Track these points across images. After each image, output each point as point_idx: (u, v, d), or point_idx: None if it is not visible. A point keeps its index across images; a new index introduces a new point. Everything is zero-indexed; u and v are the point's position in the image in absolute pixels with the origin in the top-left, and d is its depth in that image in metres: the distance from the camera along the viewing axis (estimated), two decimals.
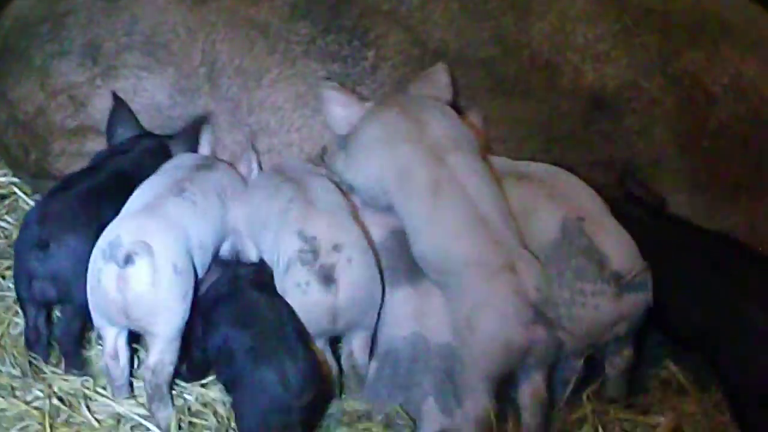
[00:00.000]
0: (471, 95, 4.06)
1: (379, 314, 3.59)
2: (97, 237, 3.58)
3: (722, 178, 4.03)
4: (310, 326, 3.46)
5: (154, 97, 4.18)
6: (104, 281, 3.45)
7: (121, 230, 3.49)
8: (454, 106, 3.91)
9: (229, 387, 3.35)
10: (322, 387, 3.35)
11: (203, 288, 3.53)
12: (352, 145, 3.83)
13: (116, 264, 3.41)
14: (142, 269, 3.42)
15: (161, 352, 3.49)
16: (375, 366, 3.57)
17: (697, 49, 4.06)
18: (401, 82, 4.06)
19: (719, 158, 4.03)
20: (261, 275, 3.60)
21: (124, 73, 4.17)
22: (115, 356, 3.58)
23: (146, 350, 3.57)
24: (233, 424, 3.41)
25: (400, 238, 3.66)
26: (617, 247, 3.34)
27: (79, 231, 3.62)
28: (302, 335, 3.34)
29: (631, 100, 4.05)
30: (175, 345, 3.52)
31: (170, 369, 3.53)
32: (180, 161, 3.97)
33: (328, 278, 3.41)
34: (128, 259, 3.39)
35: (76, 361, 3.74)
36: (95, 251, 3.51)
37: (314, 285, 3.42)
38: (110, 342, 3.55)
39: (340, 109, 3.90)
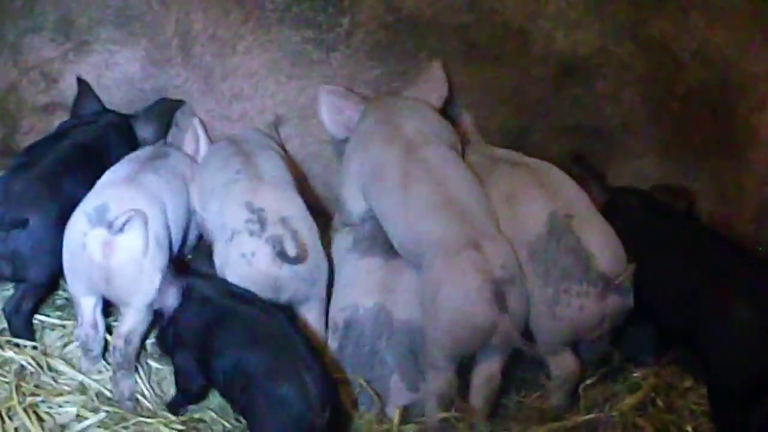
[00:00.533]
0: (444, 61, 4.09)
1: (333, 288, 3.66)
2: (60, 214, 3.61)
3: (691, 142, 4.11)
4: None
5: (126, 71, 4.20)
6: (90, 246, 3.46)
7: (107, 197, 3.52)
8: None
9: (246, 411, 3.21)
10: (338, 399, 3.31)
11: (160, 304, 3.45)
12: (345, 150, 3.93)
13: (108, 230, 3.44)
14: (134, 238, 3.46)
15: (135, 322, 3.53)
16: (337, 343, 3.61)
17: (665, 16, 4.12)
18: (375, 48, 4.12)
19: (688, 123, 4.11)
20: (224, 284, 3.53)
21: (96, 47, 4.18)
22: (95, 326, 3.61)
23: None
24: None
25: None
26: (605, 248, 3.34)
27: (41, 211, 3.63)
28: (310, 345, 3.30)
29: (601, 65, 4.11)
30: (149, 315, 3.56)
31: (139, 339, 3.58)
32: (137, 153, 3.98)
33: (276, 250, 3.44)
34: (118, 225, 3.42)
35: (25, 333, 3.73)
36: (78, 216, 3.51)
37: (261, 256, 3.46)
38: (89, 312, 3.57)
39: (337, 117, 4.00)
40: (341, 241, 3.83)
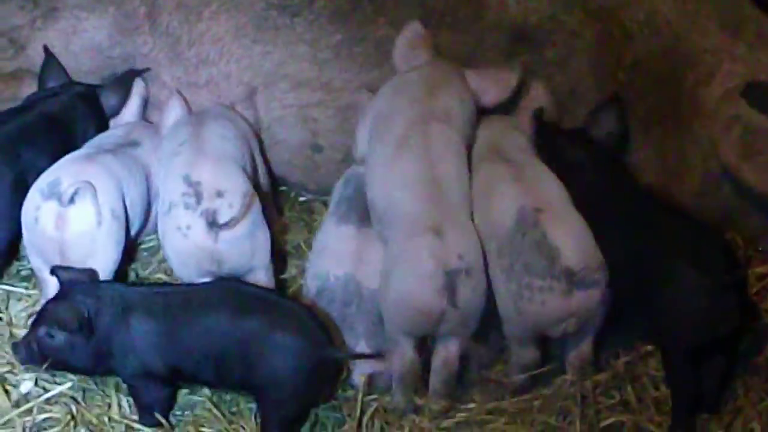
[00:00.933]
0: (401, 26, 4.18)
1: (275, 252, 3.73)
2: (15, 181, 3.71)
3: (635, 112, 4.20)
4: (191, 269, 3.59)
5: (94, 38, 4.28)
6: (42, 220, 3.54)
7: (60, 172, 3.60)
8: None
9: (252, 380, 3.27)
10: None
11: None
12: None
13: (58, 202, 3.51)
14: (84, 209, 3.54)
15: None
16: None
17: None
18: (336, 13, 4.24)
19: (634, 92, 4.20)
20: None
21: (65, 14, 4.25)
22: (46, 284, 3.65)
23: None
24: None
25: None
26: (572, 242, 3.29)
27: None
28: (274, 291, 3.47)
29: (551, 33, 4.22)
30: None
31: None
32: (104, 138, 4.05)
33: (210, 223, 3.51)
34: (71, 198, 3.50)
35: None
36: (32, 192, 3.59)
37: (195, 229, 3.53)
38: (51, 286, 3.59)
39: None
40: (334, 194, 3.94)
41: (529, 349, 3.46)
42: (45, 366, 3.28)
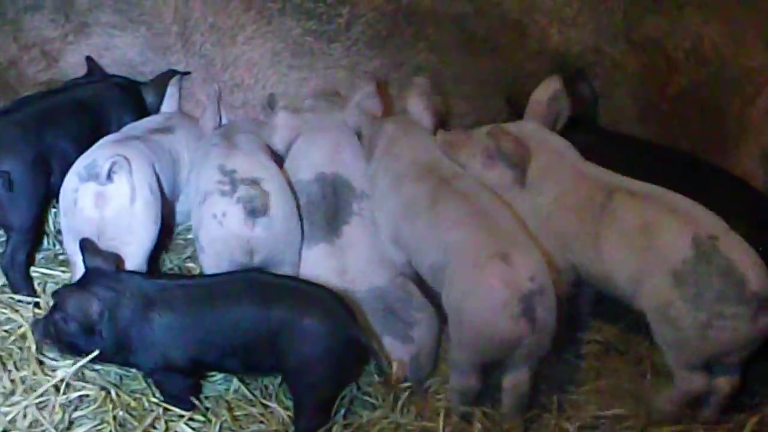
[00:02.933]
0: (442, 52, 4.22)
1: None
2: (36, 159, 3.71)
3: (678, 142, 4.15)
4: (224, 258, 3.56)
5: (125, 54, 4.31)
6: (80, 201, 3.57)
7: (96, 155, 3.64)
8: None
9: (283, 365, 3.25)
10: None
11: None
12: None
13: (96, 181, 3.54)
14: (122, 185, 3.57)
15: None
16: None
17: (660, 13, 4.19)
18: (374, 38, 4.22)
19: (676, 123, 4.17)
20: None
21: (96, 30, 4.29)
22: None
23: None
24: None
25: (326, 185, 3.75)
26: (754, 266, 3.22)
27: (14, 155, 3.71)
28: (299, 279, 3.46)
29: (594, 63, 4.23)
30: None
31: None
32: (137, 124, 4.09)
33: (247, 210, 3.51)
34: (109, 175, 3.53)
35: (24, 286, 3.79)
36: (69, 176, 3.63)
37: (231, 216, 3.53)
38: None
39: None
40: None
41: (699, 375, 3.33)
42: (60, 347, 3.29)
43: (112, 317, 3.20)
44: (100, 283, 3.24)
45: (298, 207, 3.71)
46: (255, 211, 3.49)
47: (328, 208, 3.71)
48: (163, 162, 3.85)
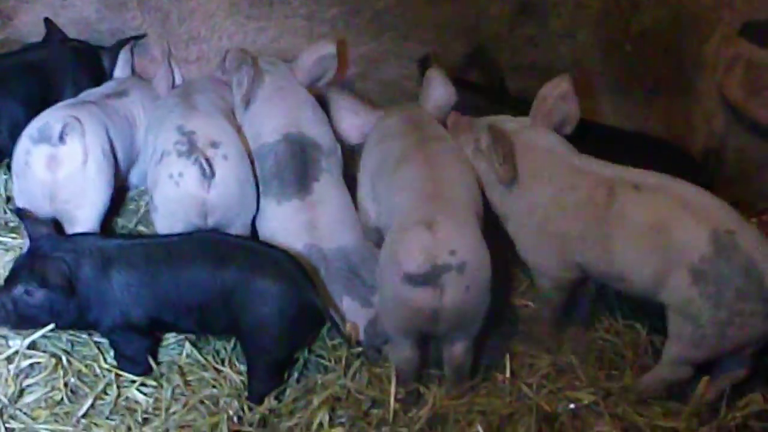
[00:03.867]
0: (403, 1, 4.16)
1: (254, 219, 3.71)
2: None
3: (642, 81, 4.20)
4: (178, 218, 3.56)
5: (81, 12, 4.24)
6: (33, 163, 3.56)
7: (49, 117, 3.62)
8: None
9: (237, 325, 3.26)
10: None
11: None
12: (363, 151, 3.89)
13: (49, 143, 3.54)
14: (75, 146, 3.57)
15: None
16: None
17: None
18: None
19: (640, 62, 4.20)
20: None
21: None
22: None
23: None
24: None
25: (294, 145, 3.73)
26: None
27: None
28: (252, 240, 3.49)
29: (557, 4, 4.19)
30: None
31: None
32: (92, 91, 4.03)
33: (203, 170, 3.50)
34: (61, 136, 3.52)
35: None
36: (22, 139, 3.61)
37: (188, 176, 3.53)
38: None
39: (354, 121, 3.92)
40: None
41: (687, 367, 3.32)
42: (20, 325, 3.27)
43: (74, 279, 3.21)
44: (58, 248, 3.24)
45: (255, 172, 3.70)
46: (210, 173, 3.49)
47: (297, 166, 3.70)
48: (118, 126, 3.83)
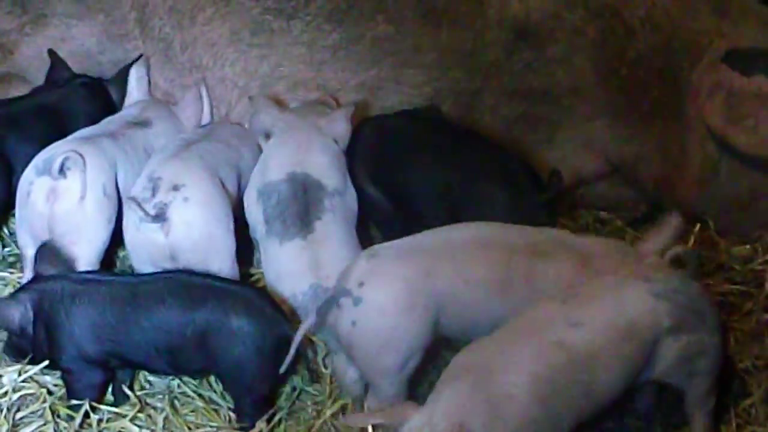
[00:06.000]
0: (400, 23, 4.23)
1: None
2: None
3: (638, 106, 4.26)
4: (146, 262, 3.63)
5: (83, 44, 4.33)
6: (33, 194, 3.63)
7: (55, 150, 3.71)
8: None
9: (214, 365, 3.29)
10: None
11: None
12: None
13: (49, 175, 3.61)
14: (74, 181, 3.63)
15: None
16: None
17: None
18: (332, 13, 4.22)
19: (636, 87, 4.26)
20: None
21: (53, 21, 4.30)
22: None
23: None
24: None
25: (296, 184, 3.76)
26: None
27: None
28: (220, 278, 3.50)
29: (553, 30, 4.27)
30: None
31: None
32: (114, 117, 4.12)
33: (158, 216, 3.55)
34: (61, 170, 3.59)
35: None
36: (28, 169, 3.70)
37: (146, 223, 3.58)
38: (33, 264, 3.69)
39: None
40: (255, 224, 3.85)
41: None
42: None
43: (38, 317, 3.27)
44: (27, 288, 3.35)
45: (237, 218, 3.73)
46: (162, 217, 3.51)
47: (299, 206, 3.71)
48: (133, 159, 3.85)
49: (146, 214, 3.51)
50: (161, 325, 3.26)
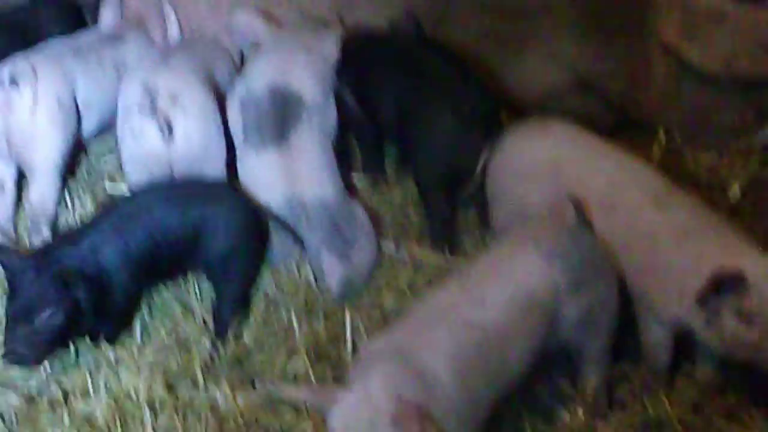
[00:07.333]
0: None
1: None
2: None
3: (604, 22, 4.28)
4: (143, 171, 3.71)
5: None
6: None
7: (11, 63, 3.78)
8: None
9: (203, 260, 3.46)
10: None
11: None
12: None
13: (1, 87, 3.69)
14: (25, 93, 3.71)
15: (40, 186, 3.75)
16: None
17: None
18: None
19: (602, 4, 4.28)
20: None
21: None
22: (2, 189, 3.84)
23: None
24: None
25: (276, 96, 3.85)
26: None
27: None
28: None
29: None
30: (54, 181, 3.77)
31: (51, 207, 3.77)
32: (85, 32, 4.19)
33: (162, 127, 3.64)
34: (12, 81, 3.68)
35: None
36: None
37: (147, 133, 3.68)
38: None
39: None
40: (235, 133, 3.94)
41: None
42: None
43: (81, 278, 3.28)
44: (52, 262, 3.22)
45: (227, 126, 3.83)
46: (168, 129, 3.63)
47: (276, 117, 3.81)
48: (98, 74, 3.92)
49: (169, 128, 3.59)
50: (164, 229, 3.35)
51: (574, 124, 3.53)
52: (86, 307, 3.25)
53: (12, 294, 3.22)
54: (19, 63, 3.72)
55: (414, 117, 3.86)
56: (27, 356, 3.20)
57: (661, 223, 3.19)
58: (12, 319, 3.21)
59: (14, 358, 3.20)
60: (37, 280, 3.19)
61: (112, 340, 3.41)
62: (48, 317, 3.19)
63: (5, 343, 3.21)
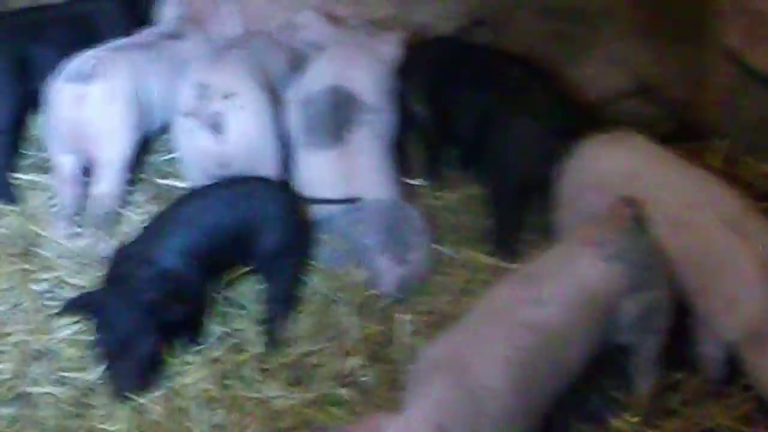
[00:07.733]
0: None
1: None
2: (15, 66, 3.90)
3: (665, 28, 4.32)
4: (198, 170, 3.77)
5: None
6: (60, 99, 3.75)
7: (85, 57, 3.82)
8: None
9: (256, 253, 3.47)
10: None
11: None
12: None
13: (76, 82, 3.71)
14: (99, 88, 3.75)
15: (107, 181, 3.78)
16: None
17: None
18: None
19: (665, 9, 4.29)
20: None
21: None
22: (70, 184, 3.83)
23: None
24: None
25: (336, 97, 3.87)
26: None
27: None
28: None
29: None
30: (120, 177, 3.81)
31: (114, 202, 3.80)
32: (148, 29, 4.25)
33: (215, 125, 3.68)
34: (87, 77, 3.72)
35: (5, 192, 3.96)
36: (59, 77, 3.79)
37: (199, 132, 3.71)
38: (64, 170, 3.80)
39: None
40: (294, 132, 3.98)
41: None
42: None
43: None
44: (140, 287, 3.23)
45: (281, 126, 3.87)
46: (217, 127, 3.66)
47: (335, 118, 3.84)
48: (165, 69, 3.97)
49: (219, 126, 3.65)
50: (216, 226, 3.37)
51: (651, 139, 3.51)
52: (178, 321, 3.29)
53: (102, 329, 3.21)
54: (92, 59, 3.76)
55: (495, 125, 3.88)
56: (136, 387, 3.21)
57: (738, 248, 3.16)
58: (110, 355, 3.23)
59: (124, 393, 3.20)
60: (128, 313, 3.19)
61: (195, 340, 3.43)
62: (147, 347, 3.22)
63: (110, 380, 3.22)
